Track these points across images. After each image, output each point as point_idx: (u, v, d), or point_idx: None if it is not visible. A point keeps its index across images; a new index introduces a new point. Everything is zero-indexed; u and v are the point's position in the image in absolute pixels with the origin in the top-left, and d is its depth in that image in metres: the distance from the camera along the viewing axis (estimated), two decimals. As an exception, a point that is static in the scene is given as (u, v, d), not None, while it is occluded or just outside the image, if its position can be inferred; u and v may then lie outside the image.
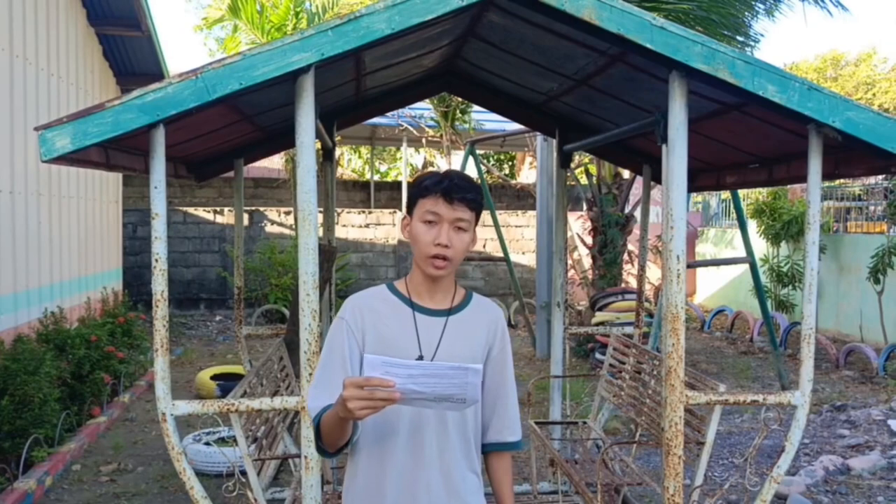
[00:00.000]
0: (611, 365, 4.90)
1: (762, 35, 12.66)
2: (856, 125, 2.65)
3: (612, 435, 6.28)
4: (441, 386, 1.67)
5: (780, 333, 10.18)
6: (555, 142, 5.13)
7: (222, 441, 5.65)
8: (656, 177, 4.86)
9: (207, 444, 5.62)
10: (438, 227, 1.95)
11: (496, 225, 10.34)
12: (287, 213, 14.10)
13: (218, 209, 14.10)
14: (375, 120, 13.08)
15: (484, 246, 14.47)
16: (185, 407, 2.84)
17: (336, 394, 1.75)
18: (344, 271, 13.40)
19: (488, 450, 2.11)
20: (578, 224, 12.42)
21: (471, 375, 1.67)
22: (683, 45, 2.60)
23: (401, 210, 14.87)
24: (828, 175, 3.08)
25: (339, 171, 19.88)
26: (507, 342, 2.11)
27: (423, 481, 1.96)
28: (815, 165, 2.87)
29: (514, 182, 17.37)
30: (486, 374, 2.07)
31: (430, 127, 14.51)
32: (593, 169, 10.68)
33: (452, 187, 1.95)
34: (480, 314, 2.08)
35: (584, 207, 10.89)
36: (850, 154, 3.05)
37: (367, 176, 18.85)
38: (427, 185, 1.97)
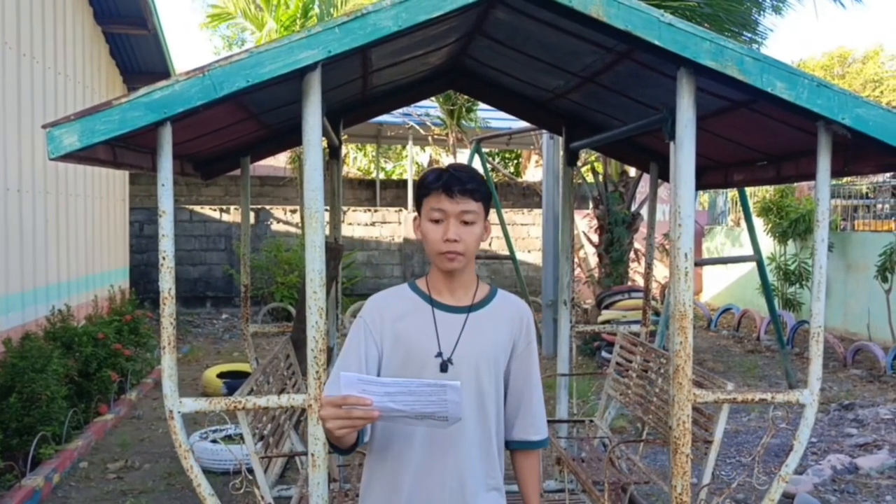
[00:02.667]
0: (617, 363, 4.89)
1: (770, 30, 12.59)
2: (865, 122, 2.63)
3: (619, 433, 6.27)
4: (420, 404, 1.64)
5: (787, 332, 10.15)
6: (561, 139, 5.12)
7: (229, 439, 5.65)
8: (663, 174, 4.84)
9: (214, 441, 5.63)
10: (445, 223, 1.94)
11: (502, 223, 10.33)
12: (293, 212, 14.11)
13: (224, 207, 14.13)
14: (381, 118, 13.07)
15: (490, 244, 14.45)
16: (193, 404, 2.84)
17: None
18: (350, 269, 13.41)
19: (513, 447, 2.10)
20: (585, 222, 12.40)
21: (449, 393, 1.63)
22: (692, 41, 2.59)
23: (407, 208, 14.88)
24: (837, 172, 3.06)
25: (345, 169, 19.88)
26: (534, 339, 2.09)
27: (438, 480, 1.95)
28: (824, 163, 2.85)
29: (519, 180, 17.35)
30: (510, 370, 2.06)
31: (435, 125, 14.50)
32: (599, 167, 10.66)
33: (452, 181, 1.93)
34: (504, 310, 2.06)
35: (591, 205, 10.87)
36: (859, 151, 3.03)
37: (373, 174, 18.87)
38: (428, 183, 1.96)
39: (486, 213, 2.01)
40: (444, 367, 1.95)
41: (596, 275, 10.76)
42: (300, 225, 13.63)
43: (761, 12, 8.99)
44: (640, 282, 10.63)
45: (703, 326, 12.42)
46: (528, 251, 14.55)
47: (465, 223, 1.95)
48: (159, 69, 10.21)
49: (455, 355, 1.96)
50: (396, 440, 1.96)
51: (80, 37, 8.67)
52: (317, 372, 2.71)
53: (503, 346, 2.03)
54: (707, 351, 10.49)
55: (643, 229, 9.77)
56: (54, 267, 7.76)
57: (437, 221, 1.95)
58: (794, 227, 11.65)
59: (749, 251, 8.62)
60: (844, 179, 12.39)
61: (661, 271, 12.44)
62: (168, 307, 2.71)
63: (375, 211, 14.68)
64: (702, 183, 4.63)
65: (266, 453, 3.55)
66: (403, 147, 19.75)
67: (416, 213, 2.04)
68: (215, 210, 14.02)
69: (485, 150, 12.52)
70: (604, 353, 8.80)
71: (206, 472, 3.21)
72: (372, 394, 1.62)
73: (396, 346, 1.96)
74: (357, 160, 21.57)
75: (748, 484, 5.00)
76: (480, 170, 12.78)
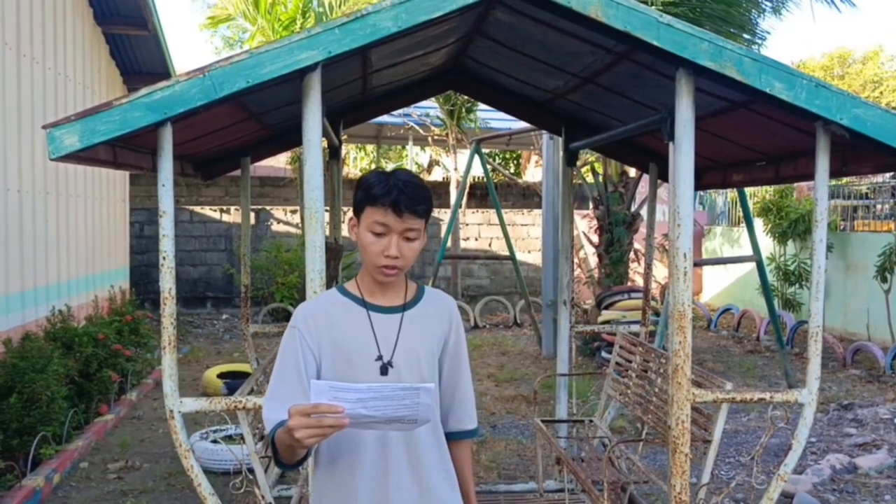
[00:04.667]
0: (617, 363, 4.90)
1: (768, 32, 12.62)
2: (863, 122, 2.64)
3: (619, 433, 6.28)
4: (392, 408, 1.63)
5: (786, 332, 10.15)
6: (561, 140, 5.13)
7: (229, 439, 5.66)
8: (663, 175, 4.85)
9: (215, 441, 5.63)
10: (388, 238, 1.89)
11: (502, 224, 10.33)
12: (293, 212, 14.12)
13: (224, 208, 14.13)
14: (381, 118, 13.06)
15: (490, 245, 14.46)
16: (193, 404, 2.85)
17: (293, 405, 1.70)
18: (350, 270, 13.40)
19: (449, 438, 2.10)
20: (584, 222, 12.40)
21: (422, 395, 1.62)
22: (690, 42, 2.59)
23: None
24: (835, 173, 3.08)
25: (346, 169, 19.90)
26: (462, 332, 2.10)
27: (395, 481, 1.93)
28: (822, 163, 2.86)
29: (519, 181, 17.36)
30: (443, 364, 2.07)
31: (435, 125, 14.51)
32: (599, 167, 10.66)
33: (402, 200, 1.86)
34: (434, 307, 2.05)
35: (591, 206, 10.88)
36: (857, 151, 3.04)
37: (373, 175, 18.84)
38: (375, 195, 1.88)
39: (427, 223, 1.98)
40: (384, 371, 1.93)
41: (596, 275, 10.76)
42: (300, 225, 13.63)
43: (761, 14, 9.01)
44: (640, 282, 10.64)
45: (703, 326, 12.42)
46: (528, 251, 14.56)
47: (408, 239, 1.92)
48: (160, 70, 10.21)
49: (395, 357, 1.94)
50: (345, 448, 1.93)
51: (80, 37, 8.67)
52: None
53: (437, 342, 2.03)
54: (707, 351, 10.50)
55: (643, 229, 9.78)
56: (54, 267, 7.76)
57: (378, 234, 1.90)
58: (793, 227, 11.65)
59: (749, 251, 8.62)
60: (844, 180, 12.40)
61: (660, 271, 12.45)
62: (168, 307, 2.72)
63: (375, 211, 14.67)
64: (701, 183, 4.64)
65: (266, 453, 3.56)
66: (403, 147, 19.76)
67: (353, 216, 1.96)
68: (215, 210, 14.03)
69: (485, 150, 12.53)
70: (603, 354, 8.81)
71: (207, 472, 3.21)
72: (343, 401, 1.59)
73: (335, 352, 1.93)
74: (357, 160, 21.58)
75: (747, 483, 5.01)
76: (480, 170, 12.78)
